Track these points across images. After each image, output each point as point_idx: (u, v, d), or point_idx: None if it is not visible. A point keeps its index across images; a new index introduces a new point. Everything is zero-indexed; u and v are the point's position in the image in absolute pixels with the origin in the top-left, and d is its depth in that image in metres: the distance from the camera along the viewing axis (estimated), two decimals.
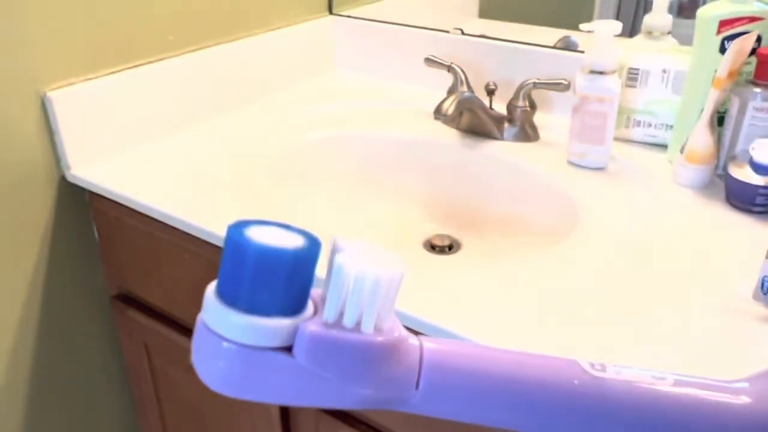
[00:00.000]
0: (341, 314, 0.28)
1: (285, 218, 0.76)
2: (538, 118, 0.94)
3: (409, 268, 0.68)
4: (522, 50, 0.99)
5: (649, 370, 0.27)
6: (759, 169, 0.72)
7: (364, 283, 0.28)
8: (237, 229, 0.28)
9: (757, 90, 0.75)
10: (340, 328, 0.28)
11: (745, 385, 0.26)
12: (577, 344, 0.56)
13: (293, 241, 0.28)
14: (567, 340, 0.57)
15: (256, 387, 0.28)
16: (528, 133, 0.92)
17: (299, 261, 0.28)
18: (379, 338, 0.28)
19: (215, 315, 0.28)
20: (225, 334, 0.28)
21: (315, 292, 0.30)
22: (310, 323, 0.28)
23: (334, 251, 0.29)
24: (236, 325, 0.28)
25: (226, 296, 0.28)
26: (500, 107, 0.94)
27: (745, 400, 0.25)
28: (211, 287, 0.29)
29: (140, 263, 0.89)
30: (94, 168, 0.86)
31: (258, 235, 0.28)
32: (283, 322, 0.28)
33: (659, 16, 0.90)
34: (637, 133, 0.89)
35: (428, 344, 0.28)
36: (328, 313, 0.28)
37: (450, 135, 0.95)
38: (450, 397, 0.27)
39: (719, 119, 0.80)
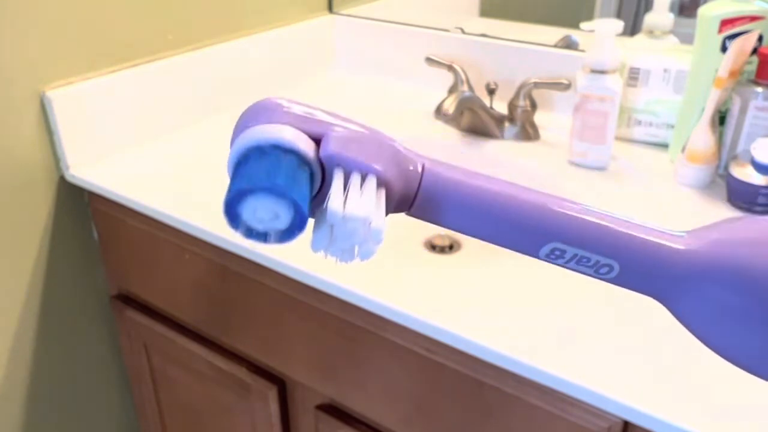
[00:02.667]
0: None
1: None
2: (539, 118, 0.93)
3: (410, 267, 0.68)
4: (523, 49, 0.98)
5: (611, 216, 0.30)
6: (760, 168, 0.72)
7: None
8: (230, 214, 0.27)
9: (759, 89, 0.75)
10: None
11: (683, 234, 0.29)
12: (576, 343, 0.56)
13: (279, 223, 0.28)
14: (567, 339, 0.57)
15: None
16: (529, 132, 0.92)
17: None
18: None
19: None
20: None
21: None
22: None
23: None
24: None
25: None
26: (501, 107, 0.93)
27: (681, 246, 0.28)
28: None
29: (140, 263, 0.89)
30: (94, 168, 0.86)
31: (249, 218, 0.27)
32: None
33: (660, 15, 0.89)
34: (638, 132, 0.89)
35: (427, 177, 0.29)
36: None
37: (450, 134, 0.95)
38: (436, 217, 0.30)
39: (721, 119, 0.80)
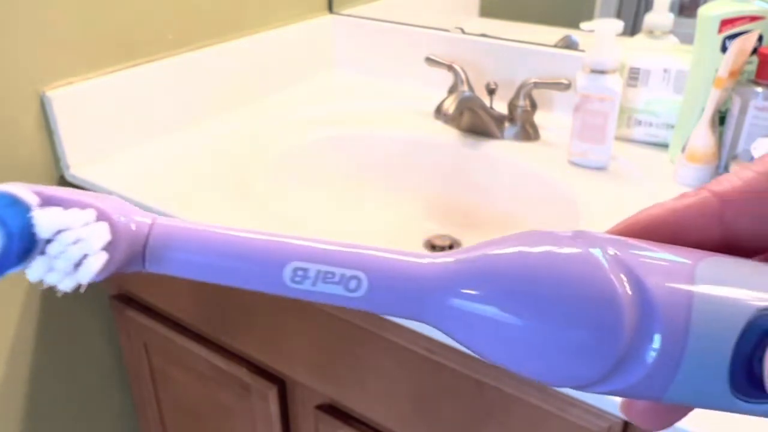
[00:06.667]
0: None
1: (284, 217, 0.76)
2: (539, 118, 0.93)
3: None
4: (523, 49, 0.98)
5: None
6: None
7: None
8: None
9: (759, 89, 0.75)
10: None
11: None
12: None
13: None
14: None
15: None
16: (529, 132, 0.92)
17: None
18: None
19: None
20: None
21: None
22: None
23: None
24: None
25: None
26: (501, 107, 0.93)
27: (428, 259, 0.27)
28: None
29: None
30: (94, 168, 0.86)
31: None
32: None
33: (660, 15, 0.89)
34: (638, 132, 0.89)
35: (156, 233, 0.29)
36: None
37: (450, 135, 0.95)
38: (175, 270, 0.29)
39: (720, 119, 0.80)
